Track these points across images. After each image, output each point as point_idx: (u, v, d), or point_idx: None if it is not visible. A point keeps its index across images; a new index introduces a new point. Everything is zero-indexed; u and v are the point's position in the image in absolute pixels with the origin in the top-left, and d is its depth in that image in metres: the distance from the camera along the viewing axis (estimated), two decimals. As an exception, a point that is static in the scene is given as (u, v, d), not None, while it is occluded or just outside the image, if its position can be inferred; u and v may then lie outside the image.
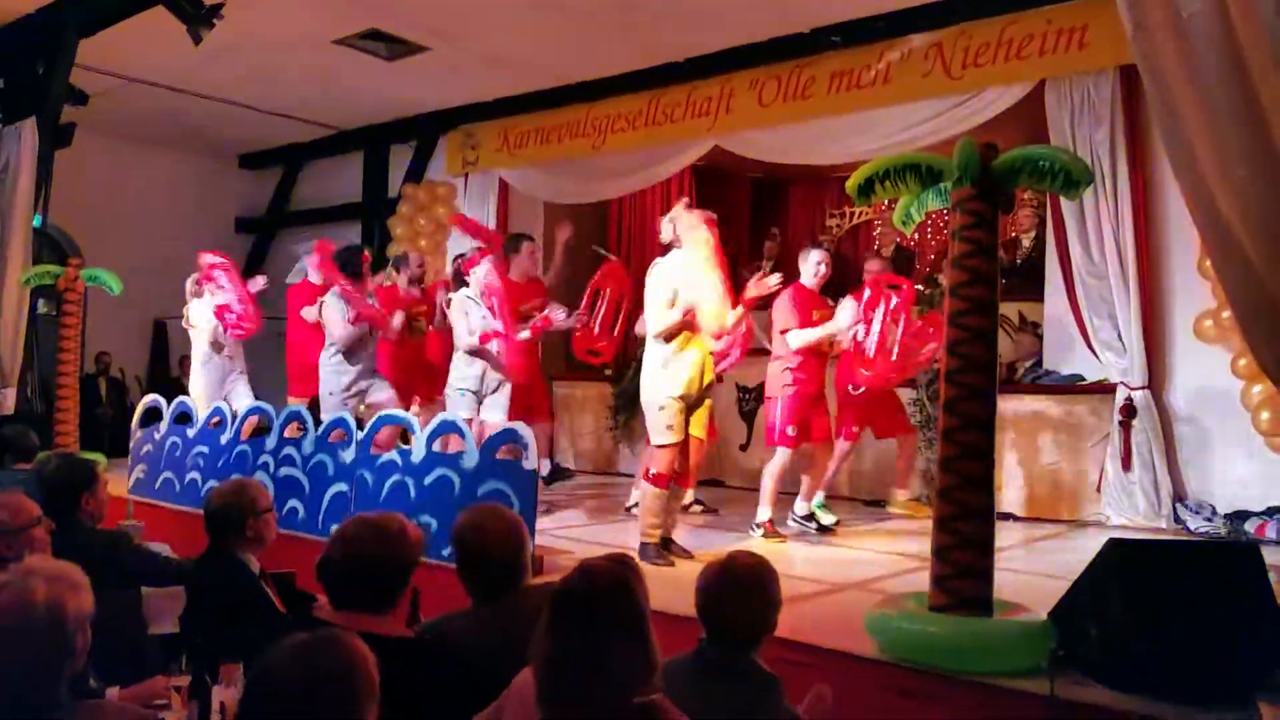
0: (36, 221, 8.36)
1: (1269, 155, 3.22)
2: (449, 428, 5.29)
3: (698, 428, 5.06)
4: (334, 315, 6.30)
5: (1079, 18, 6.51)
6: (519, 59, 8.48)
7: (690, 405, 4.97)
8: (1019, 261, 8.17)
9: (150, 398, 7.40)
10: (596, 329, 6.44)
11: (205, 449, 6.56)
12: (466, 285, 6.20)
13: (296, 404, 6.67)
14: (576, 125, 9.24)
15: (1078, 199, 6.20)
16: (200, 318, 7.27)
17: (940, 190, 3.49)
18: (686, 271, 4.92)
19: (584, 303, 6.50)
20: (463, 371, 6.12)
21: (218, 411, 6.65)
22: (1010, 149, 3.42)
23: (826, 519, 6.11)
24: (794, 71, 7.84)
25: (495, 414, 6.07)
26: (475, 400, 6.10)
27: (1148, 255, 6.46)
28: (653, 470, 4.98)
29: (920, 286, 8.93)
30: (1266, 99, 3.19)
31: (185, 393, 7.56)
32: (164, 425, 7.01)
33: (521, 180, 9.84)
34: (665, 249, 5.27)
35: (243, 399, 7.07)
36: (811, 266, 5.92)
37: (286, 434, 6.02)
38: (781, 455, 5.80)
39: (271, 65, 8.86)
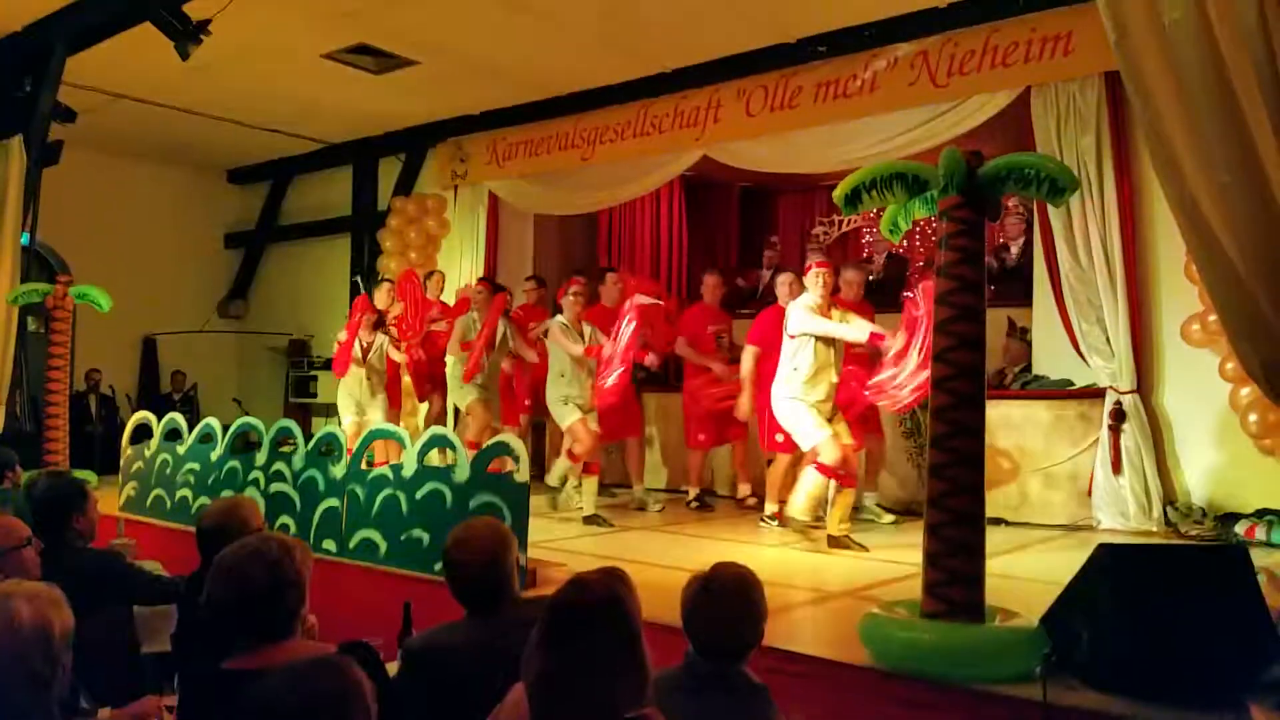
0: (24, 239, 8.34)
1: (1251, 161, 3.25)
2: (441, 441, 5.29)
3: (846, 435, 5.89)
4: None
5: (1063, 25, 6.55)
6: (507, 71, 8.50)
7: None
8: (1007, 268, 8.21)
9: (141, 415, 7.38)
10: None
11: (196, 466, 6.54)
12: (560, 312, 7.07)
13: None
14: (565, 137, 9.25)
15: (1064, 205, 6.26)
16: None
17: (927, 198, 3.50)
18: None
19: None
20: (561, 389, 6.88)
21: (207, 428, 6.64)
22: (996, 156, 3.44)
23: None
24: (781, 81, 7.87)
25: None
26: (579, 409, 6.81)
27: (1135, 260, 6.48)
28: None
29: (909, 293, 8.98)
30: (1248, 105, 3.22)
31: (175, 409, 7.57)
32: (155, 442, 6.99)
33: (511, 192, 9.85)
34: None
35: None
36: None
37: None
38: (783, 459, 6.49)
39: (260, 80, 8.86)
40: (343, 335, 7.96)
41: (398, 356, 8.10)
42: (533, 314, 8.19)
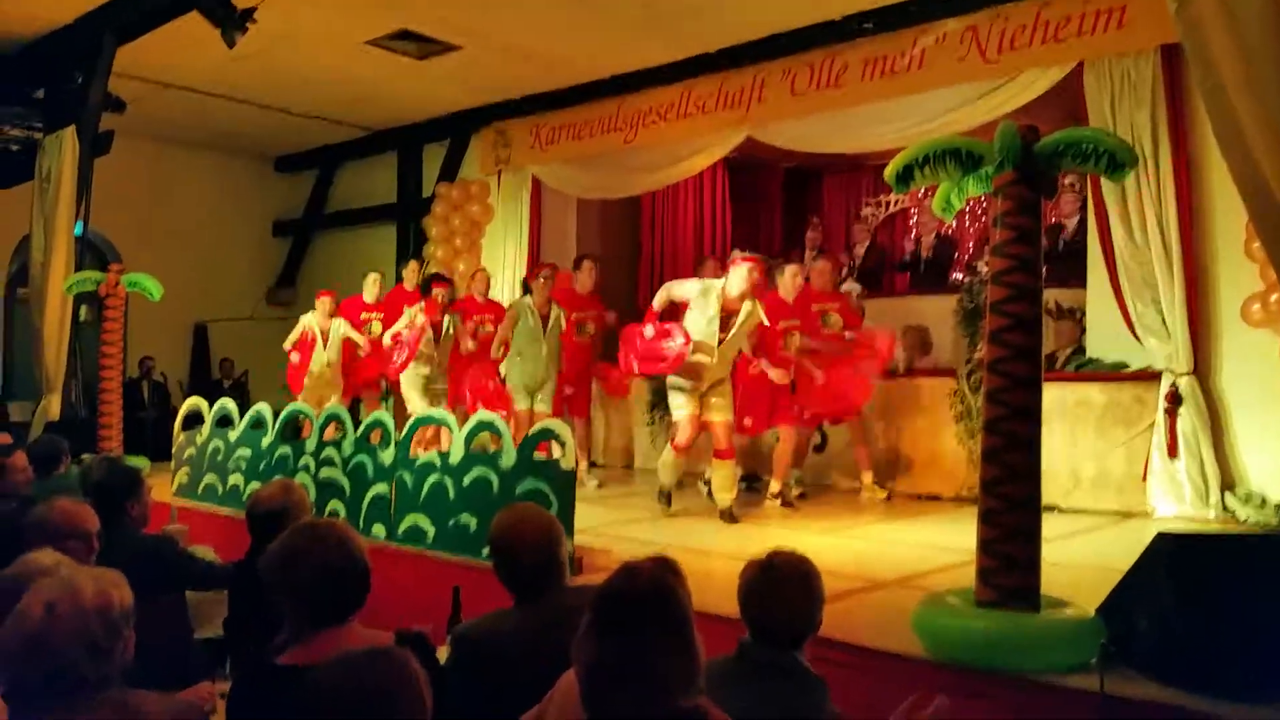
0: (78, 229, 8.48)
1: (1321, 133, 3.13)
2: (487, 427, 5.30)
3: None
4: None
5: (1118, -3, 6.38)
6: (549, 55, 8.47)
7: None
8: (1061, 247, 8.04)
9: (192, 401, 7.47)
10: None
11: (247, 452, 6.62)
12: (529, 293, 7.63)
13: None
14: (608, 120, 9.21)
15: (1120, 182, 6.10)
16: None
17: (982, 175, 3.42)
18: None
19: None
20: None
21: (258, 415, 6.71)
22: (1049, 132, 3.35)
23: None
24: (826, 59, 7.76)
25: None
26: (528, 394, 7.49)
27: (1192, 238, 6.31)
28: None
29: (959, 275, 8.86)
30: (1317, 75, 3.11)
31: (226, 395, 7.67)
32: (206, 428, 7.08)
33: (553, 176, 9.84)
34: None
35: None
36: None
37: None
38: None
39: (304, 68, 8.92)
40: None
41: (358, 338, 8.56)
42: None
